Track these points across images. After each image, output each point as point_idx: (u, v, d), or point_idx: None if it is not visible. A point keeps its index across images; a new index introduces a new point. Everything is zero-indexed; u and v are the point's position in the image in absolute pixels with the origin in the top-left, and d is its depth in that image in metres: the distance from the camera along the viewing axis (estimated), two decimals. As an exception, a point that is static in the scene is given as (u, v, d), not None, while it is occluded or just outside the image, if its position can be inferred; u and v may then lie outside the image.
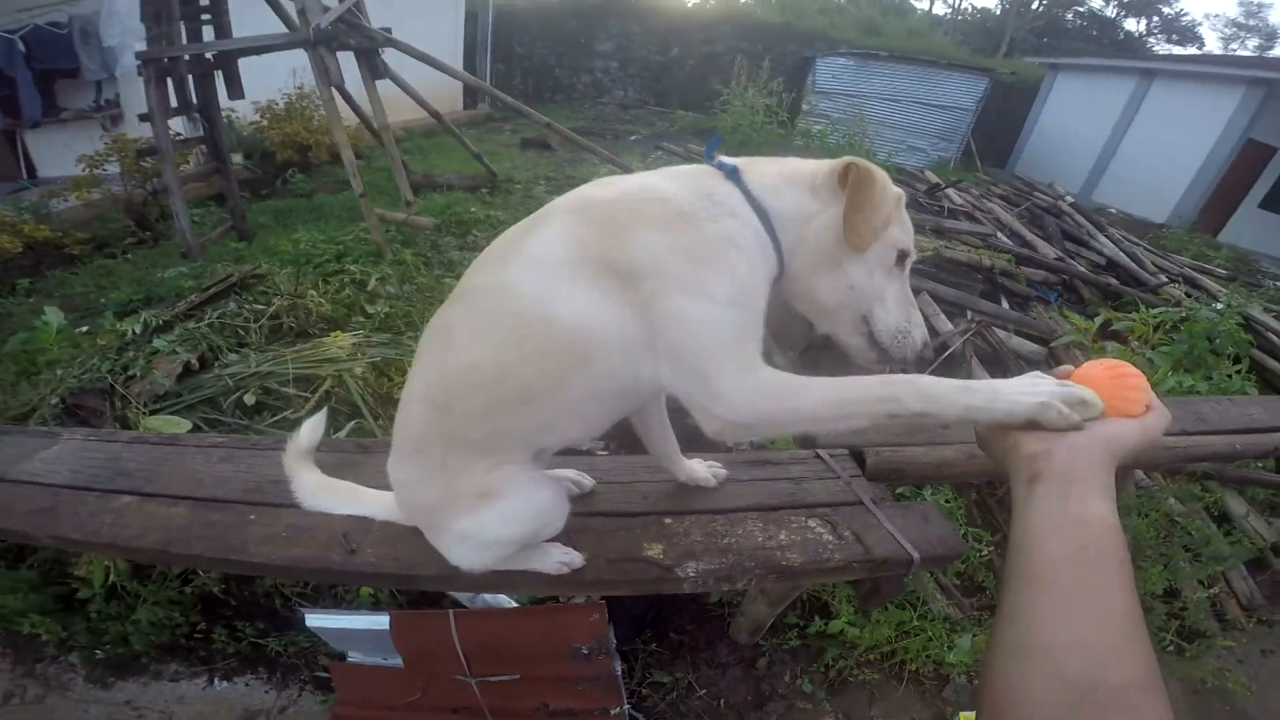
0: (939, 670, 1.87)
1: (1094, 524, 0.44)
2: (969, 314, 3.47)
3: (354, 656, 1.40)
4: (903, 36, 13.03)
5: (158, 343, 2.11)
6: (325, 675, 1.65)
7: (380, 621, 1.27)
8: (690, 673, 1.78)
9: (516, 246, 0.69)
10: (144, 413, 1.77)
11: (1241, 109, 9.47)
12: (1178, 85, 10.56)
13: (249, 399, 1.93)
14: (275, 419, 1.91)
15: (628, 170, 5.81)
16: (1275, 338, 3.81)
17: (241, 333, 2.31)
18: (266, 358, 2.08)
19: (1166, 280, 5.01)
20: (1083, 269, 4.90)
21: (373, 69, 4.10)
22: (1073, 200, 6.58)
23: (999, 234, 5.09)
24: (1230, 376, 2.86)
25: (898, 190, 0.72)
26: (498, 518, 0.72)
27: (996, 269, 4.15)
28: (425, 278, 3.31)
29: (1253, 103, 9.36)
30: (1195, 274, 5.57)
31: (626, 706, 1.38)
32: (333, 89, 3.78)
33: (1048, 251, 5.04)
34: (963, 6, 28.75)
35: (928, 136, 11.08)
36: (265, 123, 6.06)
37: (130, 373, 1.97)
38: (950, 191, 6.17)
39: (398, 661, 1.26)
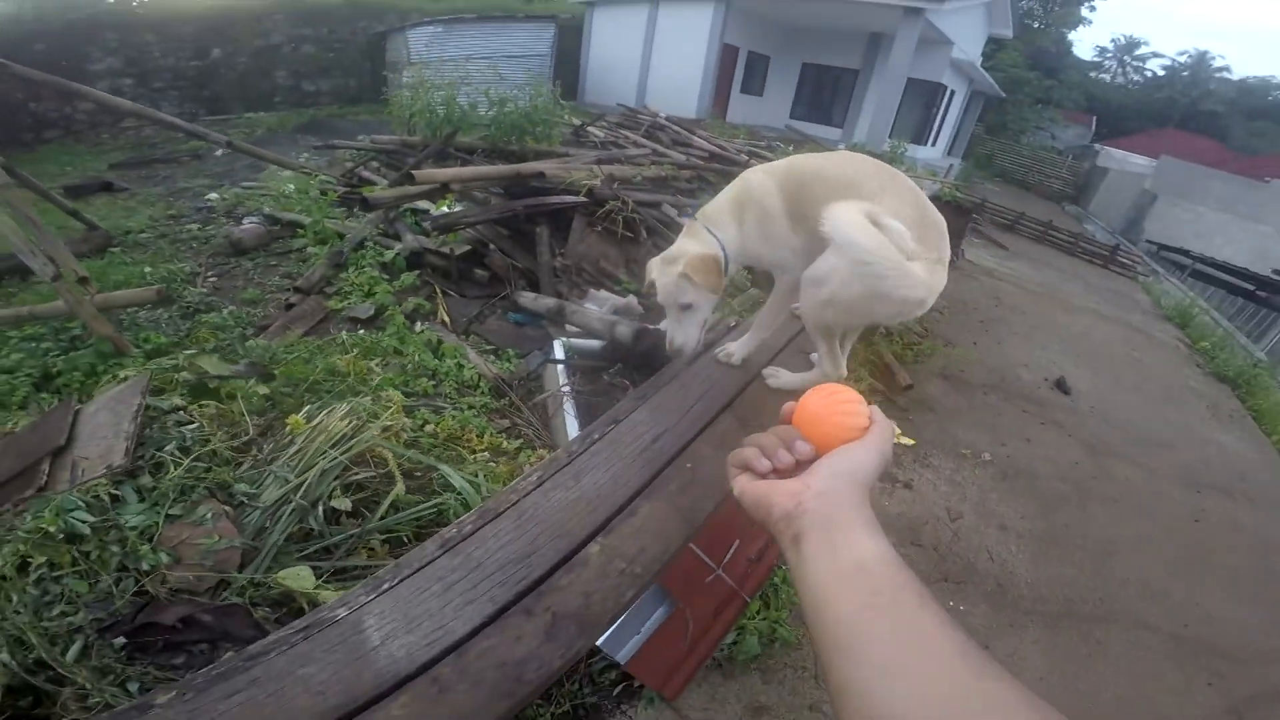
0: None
1: (873, 565, 0.42)
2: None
3: (618, 649, 1.67)
4: (456, -4, 13.47)
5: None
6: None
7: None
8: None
9: None
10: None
11: (715, 19, 13.29)
12: (675, 6, 13.99)
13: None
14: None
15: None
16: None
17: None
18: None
19: (748, 158, 7.33)
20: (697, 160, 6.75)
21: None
22: (666, 115, 8.58)
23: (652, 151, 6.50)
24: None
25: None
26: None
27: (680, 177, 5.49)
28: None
29: (720, 14, 13.24)
30: (754, 149, 8.19)
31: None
32: None
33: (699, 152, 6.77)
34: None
35: (518, 85, 12.32)
36: None
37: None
38: (591, 128, 7.41)
39: (663, 614, 1.60)
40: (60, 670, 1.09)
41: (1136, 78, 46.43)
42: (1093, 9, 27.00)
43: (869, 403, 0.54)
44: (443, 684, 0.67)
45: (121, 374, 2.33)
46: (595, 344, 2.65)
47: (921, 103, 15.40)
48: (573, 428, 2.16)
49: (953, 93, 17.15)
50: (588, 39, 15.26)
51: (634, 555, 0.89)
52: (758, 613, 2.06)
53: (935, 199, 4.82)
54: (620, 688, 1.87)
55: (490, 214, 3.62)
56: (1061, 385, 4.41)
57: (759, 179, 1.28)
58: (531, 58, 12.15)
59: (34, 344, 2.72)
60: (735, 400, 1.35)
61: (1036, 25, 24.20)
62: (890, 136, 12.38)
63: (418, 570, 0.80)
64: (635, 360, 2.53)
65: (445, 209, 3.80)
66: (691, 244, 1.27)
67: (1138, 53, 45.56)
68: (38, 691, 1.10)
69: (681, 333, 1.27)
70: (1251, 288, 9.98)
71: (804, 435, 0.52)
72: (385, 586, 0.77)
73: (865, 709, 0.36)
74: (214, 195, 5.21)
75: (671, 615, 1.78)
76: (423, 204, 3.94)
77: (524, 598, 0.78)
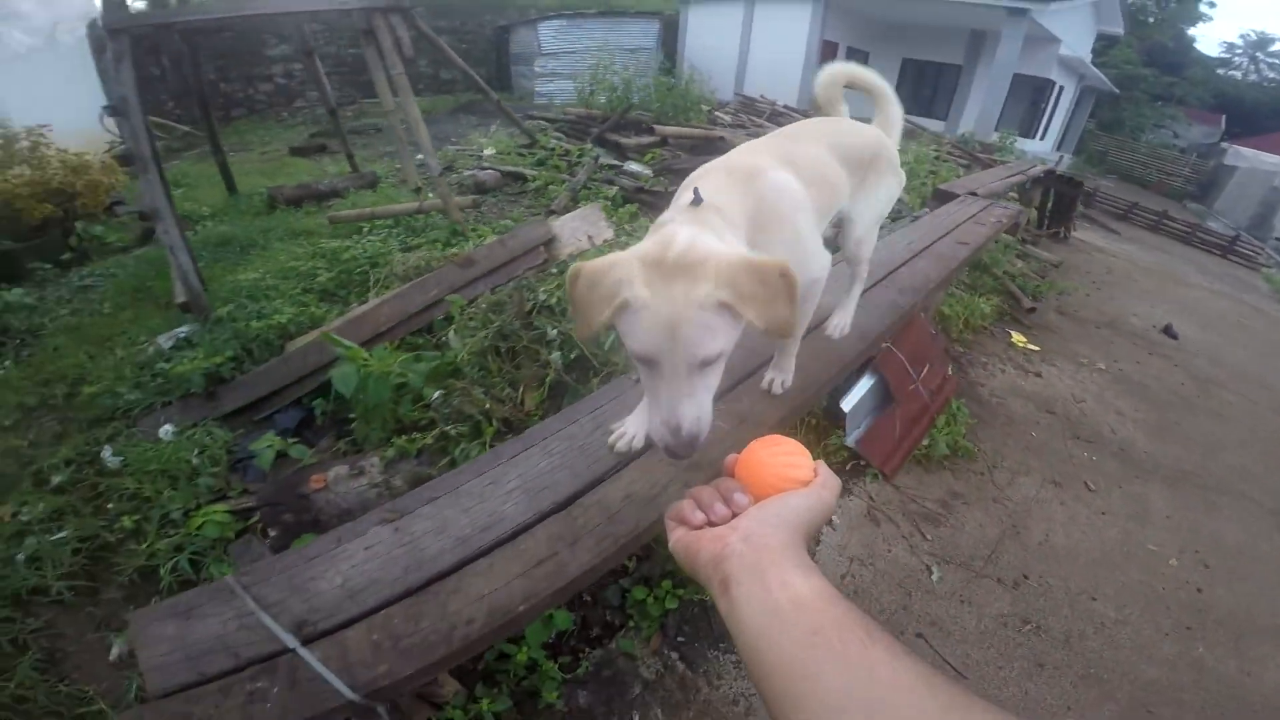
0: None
1: (811, 602, 0.40)
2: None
3: (852, 426, 2.64)
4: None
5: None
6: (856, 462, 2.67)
7: (870, 381, 2.57)
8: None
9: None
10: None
11: (814, 16, 14.15)
12: (770, 5, 14.97)
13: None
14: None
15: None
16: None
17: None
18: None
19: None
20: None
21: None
22: (784, 105, 9.54)
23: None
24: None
25: (623, 299, 0.76)
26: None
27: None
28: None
29: (819, 12, 14.09)
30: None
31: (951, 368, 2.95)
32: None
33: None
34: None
35: (637, 90, 13.89)
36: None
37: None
38: (719, 113, 8.49)
39: (881, 409, 2.57)
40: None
41: (1271, 75, 43.01)
42: (1213, 4, 25.69)
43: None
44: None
45: (460, 246, 3.60)
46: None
47: (1029, 97, 15.62)
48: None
49: (1061, 88, 17.16)
50: (683, 34, 16.42)
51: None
52: (943, 427, 2.94)
53: (1051, 173, 5.54)
54: (850, 466, 2.72)
55: (692, 164, 4.75)
56: (1169, 331, 5.04)
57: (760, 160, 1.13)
58: (641, 50, 13.50)
59: (389, 229, 4.08)
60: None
61: (1150, 21, 23.40)
62: (997, 129, 12.80)
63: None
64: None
65: (650, 159, 4.95)
66: (714, 241, 0.84)
67: (1271, 49, 42.25)
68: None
69: (695, 405, 0.78)
70: None
71: (745, 487, 0.52)
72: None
73: None
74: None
75: (885, 413, 2.74)
76: (630, 164, 5.13)
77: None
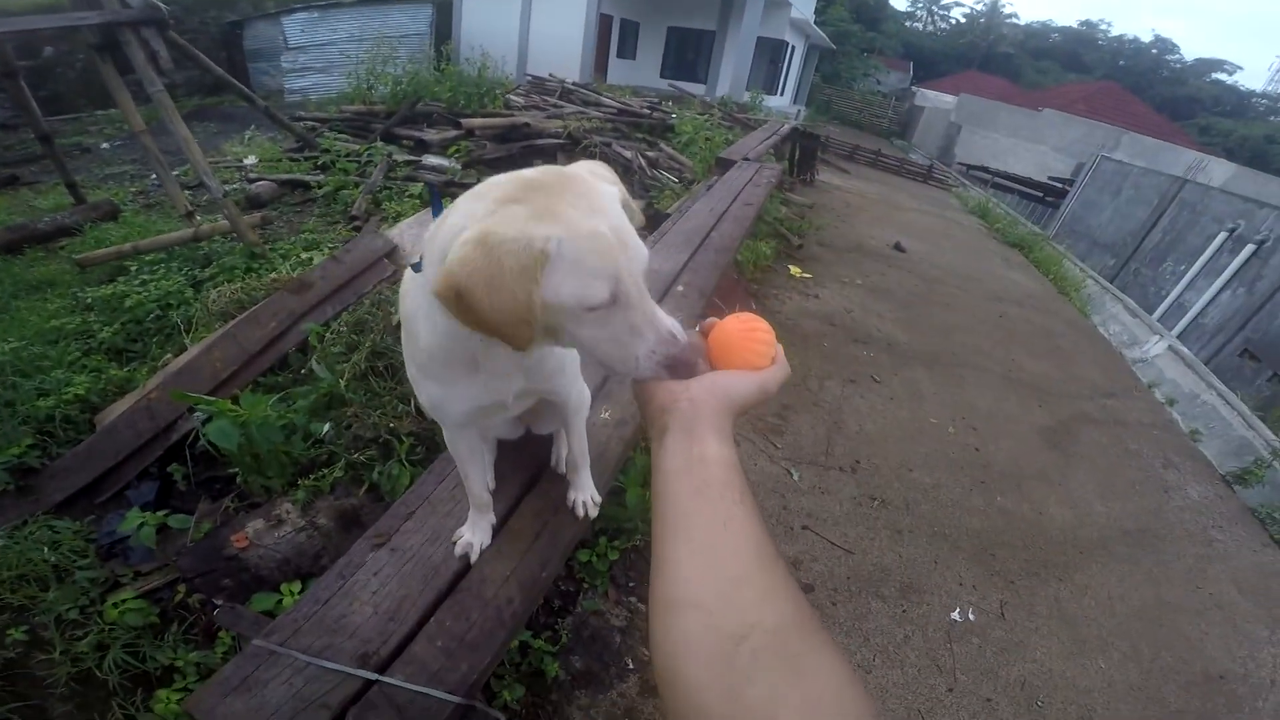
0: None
1: (712, 463, 0.49)
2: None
3: None
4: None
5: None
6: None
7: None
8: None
9: None
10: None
11: (590, -9, 14.51)
12: (548, -19, 14.96)
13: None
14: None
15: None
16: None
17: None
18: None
19: (649, 110, 8.83)
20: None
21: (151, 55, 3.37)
22: (573, 81, 9.77)
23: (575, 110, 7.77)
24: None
25: (538, 251, 0.58)
26: None
27: (605, 128, 6.88)
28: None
29: (593, -16, 14.45)
30: (653, 105, 9.69)
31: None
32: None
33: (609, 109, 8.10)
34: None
35: (399, 63, 12.84)
36: None
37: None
38: (511, 95, 8.49)
39: None
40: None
41: (944, 25, 54.27)
42: None
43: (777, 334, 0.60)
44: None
45: (263, 270, 3.36)
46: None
47: (768, 58, 17.90)
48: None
49: (793, 48, 19.92)
50: (458, 15, 15.72)
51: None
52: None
53: (796, 130, 6.73)
54: None
55: (500, 152, 4.81)
56: (899, 246, 6.49)
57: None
58: (410, 36, 12.66)
59: (164, 265, 3.60)
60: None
61: (860, -19, 27.98)
62: (747, 89, 14.56)
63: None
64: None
65: (455, 153, 4.89)
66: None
67: (942, 2, 53.11)
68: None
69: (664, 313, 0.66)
70: (1040, 194, 13.54)
71: (711, 355, 0.59)
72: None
73: (672, 582, 0.43)
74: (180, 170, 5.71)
75: None
76: (429, 157, 4.99)
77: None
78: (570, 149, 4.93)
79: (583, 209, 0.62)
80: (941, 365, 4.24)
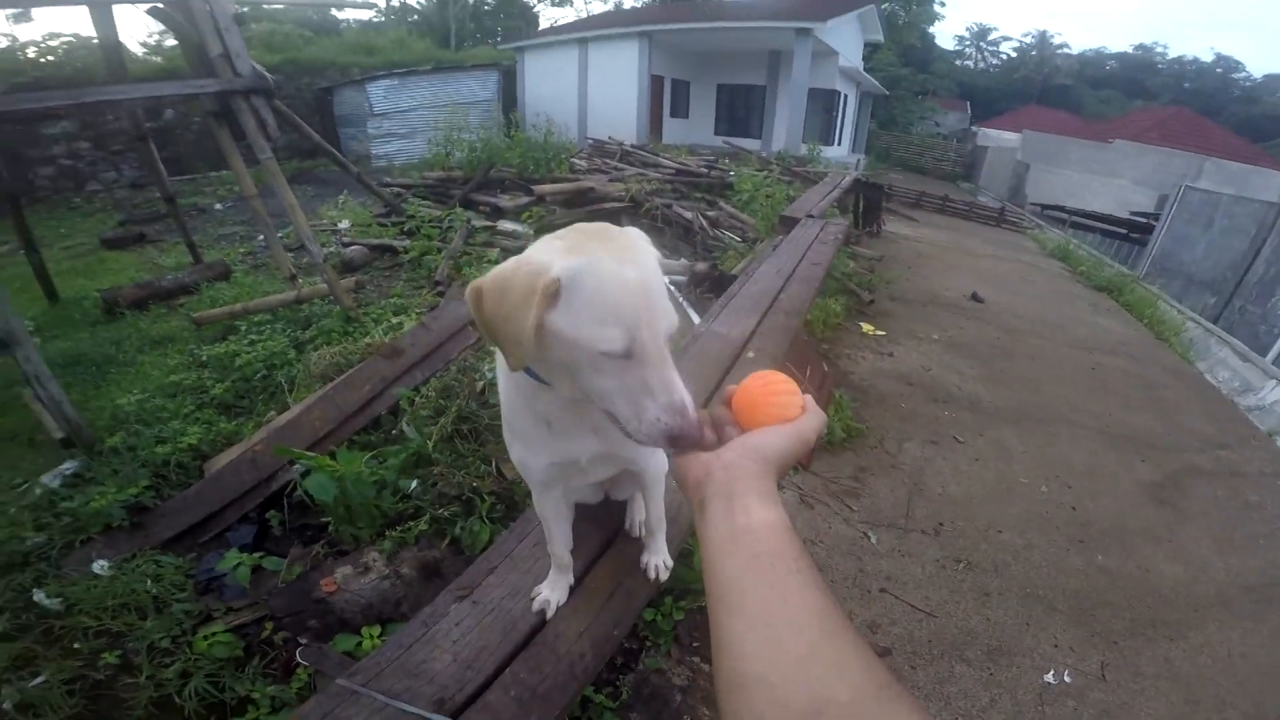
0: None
1: (759, 530, 0.47)
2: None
3: None
4: (394, 48, 14.80)
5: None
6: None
7: None
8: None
9: None
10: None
11: (641, 54, 15.34)
12: (603, 45, 15.97)
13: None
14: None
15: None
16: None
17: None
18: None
19: (707, 169, 9.07)
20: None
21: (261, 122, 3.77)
22: (631, 144, 10.23)
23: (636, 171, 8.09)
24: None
25: (550, 279, 0.61)
26: None
27: (665, 189, 7.10)
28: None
29: (645, 49, 15.29)
30: (710, 164, 9.98)
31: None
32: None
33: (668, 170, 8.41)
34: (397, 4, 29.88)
35: (470, 130, 13.89)
36: None
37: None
38: (574, 159, 8.94)
39: None
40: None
41: (995, 61, 53.51)
42: (943, 3, 30.98)
43: (805, 389, 0.60)
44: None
45: (357, 334, 3.61)
46: (682, 278, 4.17)
47: (822, 109, 18.10)
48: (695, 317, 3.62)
49: (846, 96, 20.12)
50: (522, 81, 16.95)
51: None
52: (834, 415, 3.42)
53: (858, 181, 6.73)
54: None
55: (569, 218, 5.04)
56: (976, 297, 6.26)
57: None
58: (480, 102, 13.68)
59: (269, 325, 3.94)
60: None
61: (900, 24, 28.08)
62: (804, 141, 14.74)
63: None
64: (710, 284, 4.04)
65: (527, 219, 5.19)
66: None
67: (990, 38, 52.58)
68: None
69: (681, 383, 0.66)
70: (1124, 232, 12.89)
71: (737, 419, 0.58)
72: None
73: (734, 658, 0.42)
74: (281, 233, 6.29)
75: None
76: (504, 223, 5.30)
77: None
78: (633, 211, 5.12)
79: (615, 254, 0.64)
80: (1030, 422, 4.01)
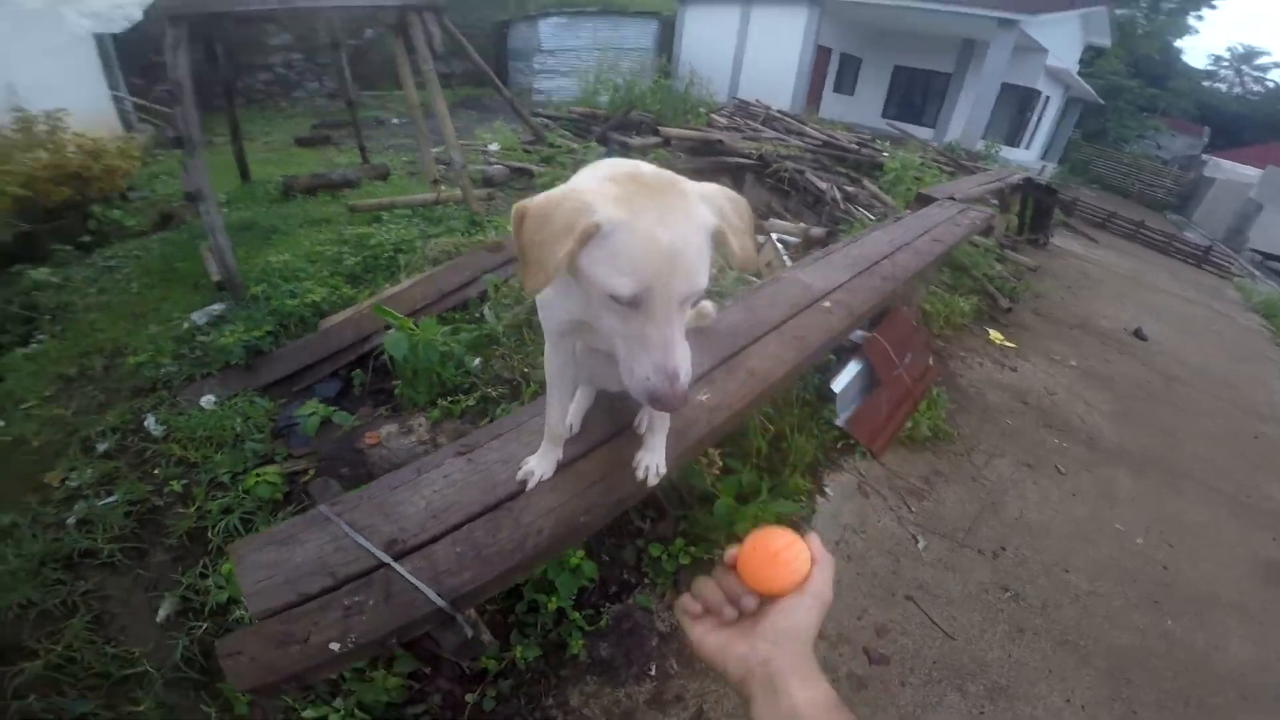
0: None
1: (805, 710, 0.48)
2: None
3: (842, 407, 2.92)
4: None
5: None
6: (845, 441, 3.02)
7: (857, 366, 2.87)
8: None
9: None
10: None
11: (809, 23, 14.54)
12: (767, 8, 15.33)
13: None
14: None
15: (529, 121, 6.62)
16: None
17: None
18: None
19: (858, 146, 8.53)
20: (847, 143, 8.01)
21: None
22: (779, 109, 9.86)
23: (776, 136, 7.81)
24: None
25: (591, 222, 0.64)
26: None
27: (804, 157, 6.80)
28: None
29: (814, 18, 14.48)
30: (863, 142, 9.37)
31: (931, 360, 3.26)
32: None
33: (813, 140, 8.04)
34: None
35: (625, 75, 14.08)
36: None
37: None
38: (714, 115, 8.80)
39: (868, 392, 2.85)
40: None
41: (1257, 88, 44.37)
42: (1200, 18, 26.43)
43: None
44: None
45: (479, 234, 3.88)
46: (794, 238, 4.04)
47: (1015, 106, 16.15)
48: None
49: (1048, 98, 17.75)
50: (680, 33, 16.73)
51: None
52: (925, 411, 3.22)
53: (1030, 181, 5.93)
54: (840, 444, 2.98)
55: (692, 164, 5.04)
56: (1139, 334, 5.41)
57: None
58: (639, 49, 13.80)
59: (407, 219, 4.35)
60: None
61: (1140, 33, 24.17)
62: (983, 138, 13.29)
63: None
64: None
65: (654, 159, 5.25)
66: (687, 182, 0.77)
67: (1257, 62, 43.57)
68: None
69: (685, 348, 0.73)
70: None
71: (746, 581, 0.57)
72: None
73: None
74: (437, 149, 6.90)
75: (872, 396, 3.03)
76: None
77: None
78: (759, 170, 4.98)
79: (658, 215, 0.66)
80: (1153, 471, 3.48)
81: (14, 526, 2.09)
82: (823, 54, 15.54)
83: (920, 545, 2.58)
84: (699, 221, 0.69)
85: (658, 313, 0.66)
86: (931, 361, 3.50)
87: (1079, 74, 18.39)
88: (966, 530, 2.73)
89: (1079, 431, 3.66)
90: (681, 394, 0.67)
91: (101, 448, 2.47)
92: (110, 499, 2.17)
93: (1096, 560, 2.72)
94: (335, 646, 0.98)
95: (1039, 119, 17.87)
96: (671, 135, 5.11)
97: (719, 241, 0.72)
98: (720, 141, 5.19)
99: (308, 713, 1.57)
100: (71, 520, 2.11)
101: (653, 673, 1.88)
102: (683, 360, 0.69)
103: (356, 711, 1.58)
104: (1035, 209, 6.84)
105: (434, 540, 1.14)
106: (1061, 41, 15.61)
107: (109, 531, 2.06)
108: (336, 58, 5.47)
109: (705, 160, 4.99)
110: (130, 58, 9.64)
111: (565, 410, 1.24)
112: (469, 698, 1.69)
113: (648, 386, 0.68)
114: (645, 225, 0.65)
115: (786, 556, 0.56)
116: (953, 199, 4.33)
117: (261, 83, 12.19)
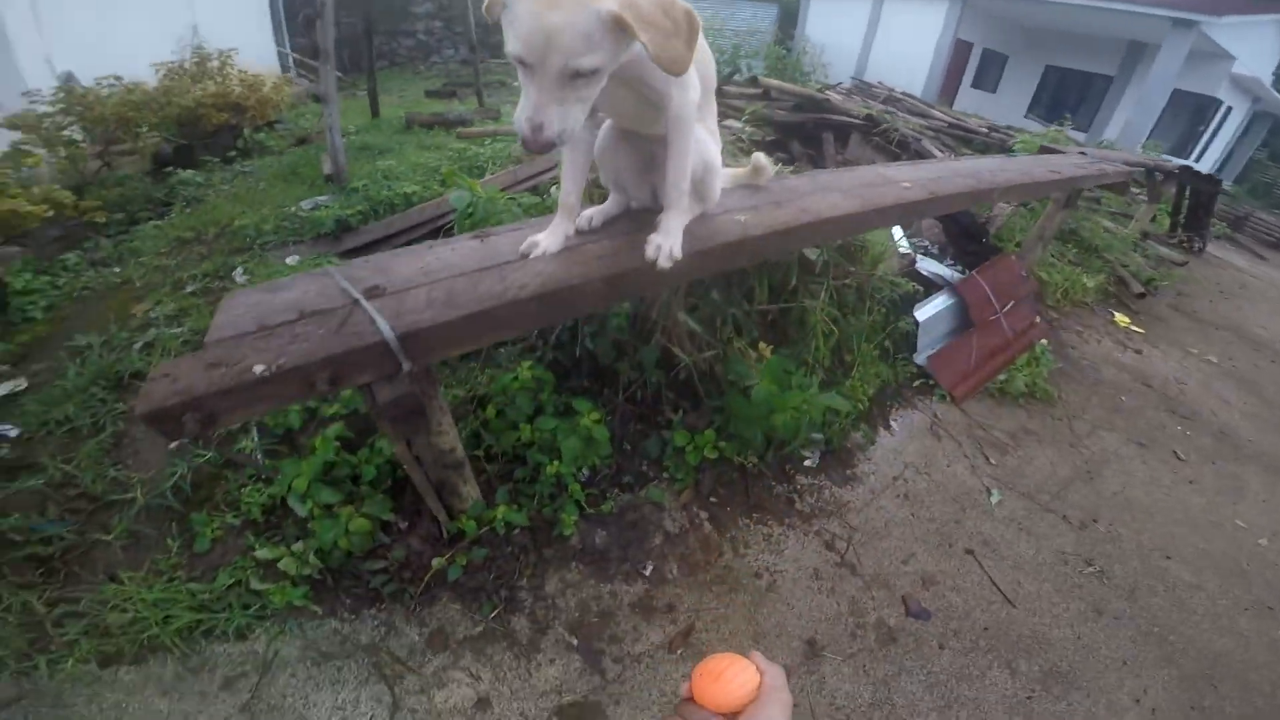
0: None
1: None
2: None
3: (924, 343, 2.68)
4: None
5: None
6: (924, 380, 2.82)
7: (948, 300, 2.63)
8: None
9: None
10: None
11: (950, 16, 13.64)
12: (902, 3, 14.60)
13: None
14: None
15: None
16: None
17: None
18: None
19: (987, 131, 7.87)
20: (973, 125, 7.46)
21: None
22: (903, 91, 9.32)
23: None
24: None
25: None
26: None
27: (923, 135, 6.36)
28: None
29: (955, 12, 13.57)
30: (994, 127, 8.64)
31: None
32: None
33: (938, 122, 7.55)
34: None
35: (744, 58, 13.87)
36: (170, 84, 5.30)
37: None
38: (830, 92, 8.44)
39: (958, 332, 2.61)
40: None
41: None
42: None
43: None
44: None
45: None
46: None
47: (1188, 116, 14.26)
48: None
49: (1229, 109, 15.50)
50: (803, 20, 16.25)
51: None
52: (1024, 367, 2.91)
53: (1188, 169, 5.01)
54: (918, 384, 2.75)
55: (795, 118, 4.86)
56: (1311, 348, 4.58)
57: None
58: (755, 32, 13.54)
59: (505, 142, 4.54)
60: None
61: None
62: (1143, 144, 11.83)
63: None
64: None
65: (750, 112, 5.11)
66: None
67: None
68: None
69: (563, 114, 0.85)
70: None
71: (700, 701, 0.62)
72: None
73: None
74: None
75: (962, 337, 2.77)
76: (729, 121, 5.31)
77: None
78: (866, 130, 4.69)
79: (551, 3, 0.80)
80: (1293, 479, 2.95)
81: (87, 348, 2.22)
82: (962, 48, 14.52)
83: (993, 499, 2.32)
84: (593, 8, 0.81)
85: (537, 76, 0.83)
86: (1039, 319, 3.16)
87: (1273, 86, 15.91)
88: (1054, 494, 2.42)
89: (1209, 424, 3.15)
90: (541, 141, 0.85)
91: (189, 289, 2.69)
92: (179, 329, 2.31)
93: (1206, 553, 2.32)
94: (259, 369, 0.94)
95: (1215, 131, 15.64)
96: (771, 86, 4.93)
97: (627, 32, 0.82)
98: (826, 100, 4.96)
99: (261, 551, 1.54)
100: (138, 345, 2.22)
101: (647, 573, 1.74)
102: (551, 119, 0.84)
103: (311, 558, 1.52)
104: (1192, 204, 5.95)
105: (414, 289, 1.12)
106: (1254, 49, 13.55)
107: (166, 356, 2.15)
108: (469, 27, 5.83)
109: (810, 116, 4.77)
110: (297, 17, 10.89)
111: (578, 182, 1.22)
112: (436, 561, 1.58)
113: (519, 127, 0.86)
114: (535, 8, 0.80)
115: (730, 674, 0.62)
116: (1083, 153, 3.86)
117: (405, 48, 13.25)
